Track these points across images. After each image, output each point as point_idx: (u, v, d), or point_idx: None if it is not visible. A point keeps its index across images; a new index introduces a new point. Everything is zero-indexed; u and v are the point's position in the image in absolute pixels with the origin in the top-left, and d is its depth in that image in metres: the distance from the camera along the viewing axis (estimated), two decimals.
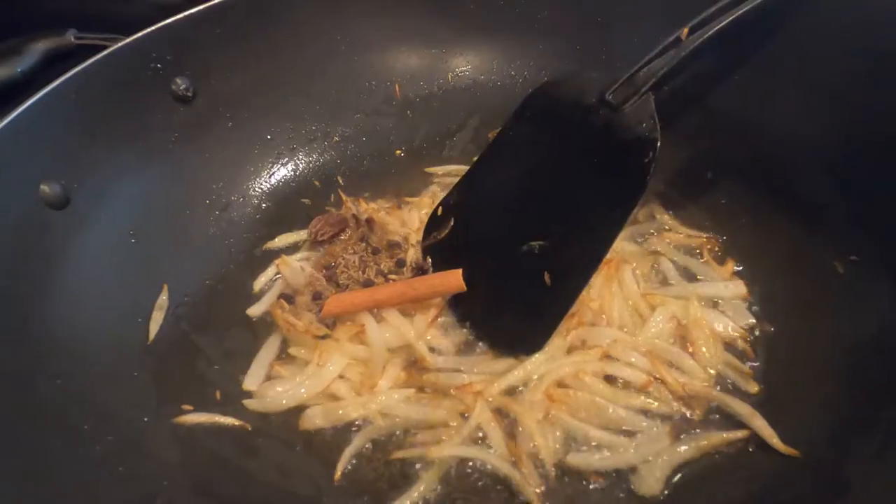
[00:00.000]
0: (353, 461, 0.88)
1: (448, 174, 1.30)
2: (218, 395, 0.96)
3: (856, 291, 0.91)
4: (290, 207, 1.25)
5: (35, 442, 0.78)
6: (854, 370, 0.83)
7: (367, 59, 1.35)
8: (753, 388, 0.89)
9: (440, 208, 1.15)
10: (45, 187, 0.96)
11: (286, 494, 0.84)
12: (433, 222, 1.14)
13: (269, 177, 1.29)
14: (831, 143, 1.00)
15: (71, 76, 1.00)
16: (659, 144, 0.95)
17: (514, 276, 1.02)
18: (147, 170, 1.13)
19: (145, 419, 0.89)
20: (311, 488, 0.86)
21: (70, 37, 1.22)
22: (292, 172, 1.31)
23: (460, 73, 1.39)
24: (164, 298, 1.05)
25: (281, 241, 1.20)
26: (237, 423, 0.92)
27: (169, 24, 1.11)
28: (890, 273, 0.87)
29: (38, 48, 1.20)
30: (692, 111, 1.15)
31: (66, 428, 0.82)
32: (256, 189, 1.27)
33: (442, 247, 1.11)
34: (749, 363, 0.93)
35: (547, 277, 0.97)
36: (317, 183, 1.29)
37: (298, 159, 1.32)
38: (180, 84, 1.17)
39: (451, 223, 1.12)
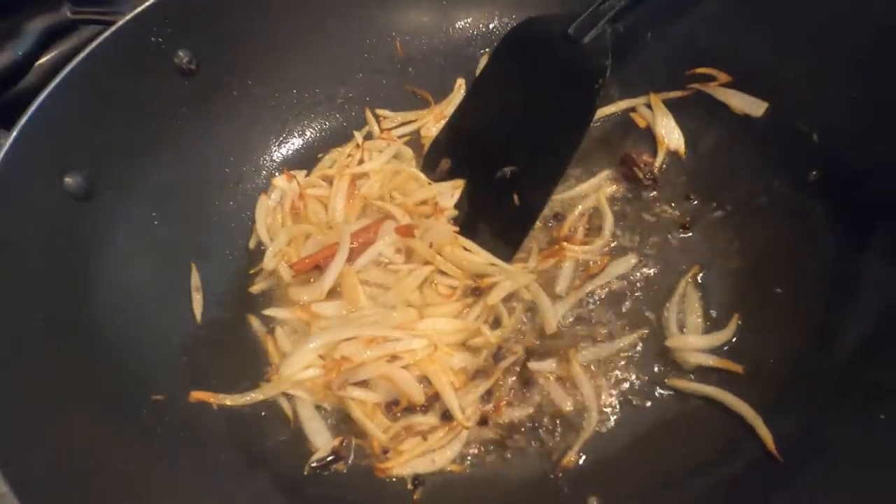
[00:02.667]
0: None
1: None
2: (270, 371, 1.02)
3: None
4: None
5: (98, 431, 0.84)
6: (835, 328, 0.90)
7: (367, 15, 1.33)
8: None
9: (433, 146, 1.25)
10: (69, 180, 0.98)
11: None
12: (428, 160, 1.25)
13: (279, 145, 1.30)
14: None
15: (79, 63, 0.99)
16: (608, 72, 1.08)
17: (490, 201, 1.16)
18: (160, 149, 1.13)
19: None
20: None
21: (66, 12, 1.18)
22: (299, 139, 1.32)
23: (461, 27, 1.37)
24: (196, 278, 1.09)
25: None
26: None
27: None
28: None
29: (35, 27, 1.16)
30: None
31: (124, 414, 0.88)
32: (267, 159, 1.29)
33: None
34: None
35: (516, 198, 1.12)
36: (321, 155, 1.30)
37: (304, 125, 1.33)
38: (183, 57, 1.15)
39: (448, 163, 1.22)
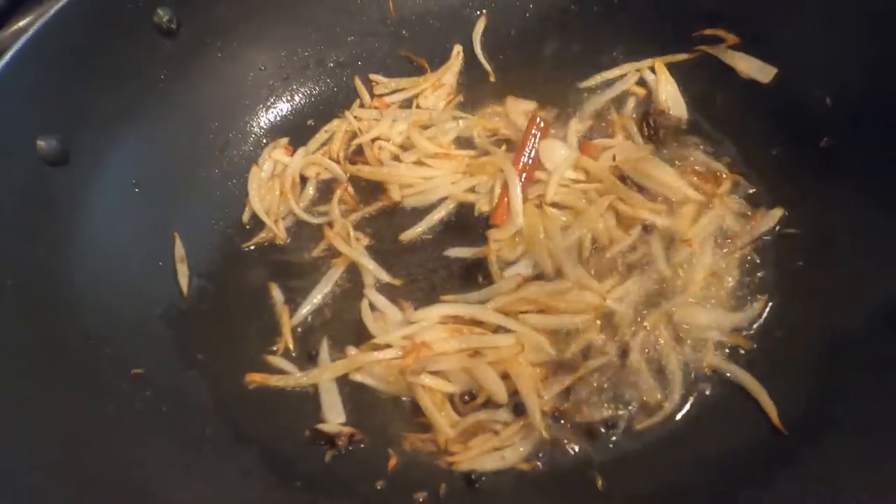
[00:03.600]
0: None
1: None
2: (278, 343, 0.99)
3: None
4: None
5: (72, 404, 0.80)
6: (849, 300, 0.87)
7: None
8: None
9: None
10: (42, 143, 0.93)
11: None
12: None
13: (266, 110, 1.25)
14: None
15: (50, 19, 0.93)
16: None
17: None
18: (140, 113, 1.08)
19: (183, 372, 0.92)
20: None
21: None
22: (288, 104, 1.27)
23: None
24: (180, 248, 1.04)
25: None
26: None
27: None
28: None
29: None
30: None
31: (103, 388, 0.84)
32: (253, 125, 1.23)
33: None
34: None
35: None
36: (310, 121, 1.25)
37: (293, 89, 1.27)
38: (163, 15, 1.09)
39: None
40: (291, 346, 0.99)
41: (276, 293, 1.04)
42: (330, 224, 1.11)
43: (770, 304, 0.94)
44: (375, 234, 1.11)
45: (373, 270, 1.04)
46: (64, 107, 0.96)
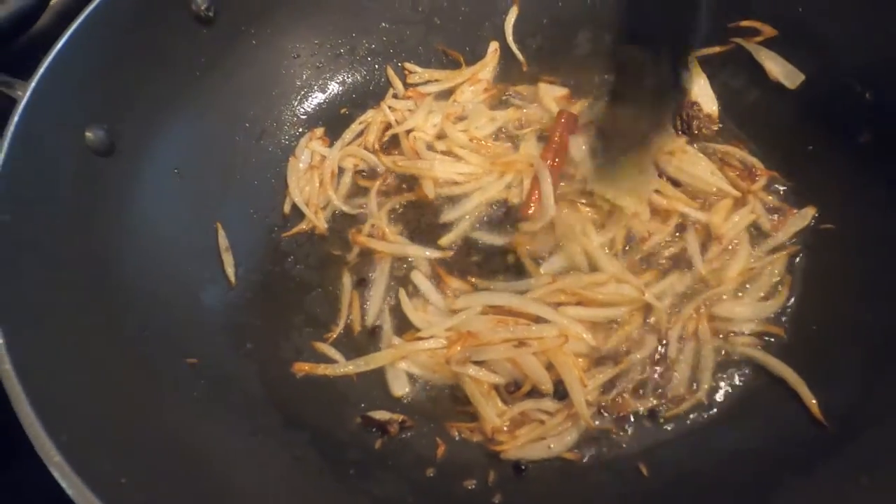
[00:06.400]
0: None
1: None
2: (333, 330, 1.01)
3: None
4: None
5: (134, 392, 0.81)
6: (888, 293, 0.89)
7: None
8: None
9: None
10: (89, 134, 0.92)
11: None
12: None
13: (300, 99, 1.25)
14: None
15: (93, 10, 0.93)
16: None
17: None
18: (180, 103, 1.08)
19: (233, 360, 0.94)
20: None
21: None
22: (321, 93, 1.27)
23: None
24: (223, 238, 1.05)
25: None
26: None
27: None
28: None
29: None
30: None
31: (157, 375, 0.85)
32: (288, 114, 1.24)
33: None
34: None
35: None
36: (344, 110, 1.26)
37: (326, 78, 1.28)
38: (200, 3, 1.09)
39: None
40: (358, 327, 1.01)
41: (348, 281, 1.05)
42: (359, 230, 1.11)
43: (804, 296, 0.97)
44: (409, 223, 1.12)
45: (414, 254, 1.06)
46: (109, 97, 0.96)
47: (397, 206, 1.15)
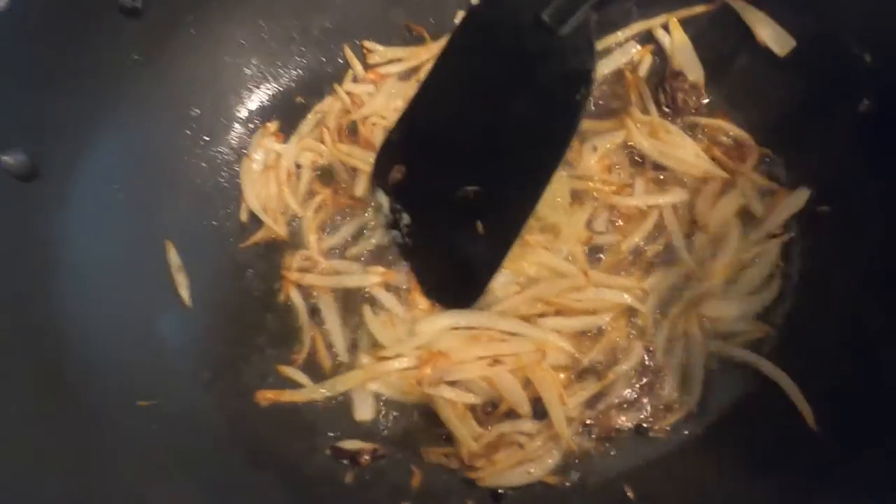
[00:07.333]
0: None
1: None
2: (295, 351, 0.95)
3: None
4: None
5: (75, 445, 0.75)
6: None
7: None
8: None
9: (385, 146, 1.01)
10: (7, 159, 0.84)
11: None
12: (379, 164, 1.01)
13: (250, 91, 1.15)
14: None
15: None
16: (593, 79, 0.83)
17: (449, 225, 0.93)
18: (109, 108, 0.97)
19: (191, 395, 0.88)
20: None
21: None
22: (273, 83, 1.16)
23: None
24: (175, 257, 0.97)
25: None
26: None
27: None
28: None
29: None
30: None
31: (107, 423, 0.80)
32: (239, 108, 1.13)
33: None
34: None
35: (480, 227, 0.89)
36: (300, 99, 1.15)
37: (277, 66, 1.16)
38: None
39: (402, 171, 0.97)
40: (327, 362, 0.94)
41: (297, 299, 0.98)
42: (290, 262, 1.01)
43: (799, 289, 0.91)
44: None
45: (357, 284, 0.97)
46: (23, 113, 0.86)
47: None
